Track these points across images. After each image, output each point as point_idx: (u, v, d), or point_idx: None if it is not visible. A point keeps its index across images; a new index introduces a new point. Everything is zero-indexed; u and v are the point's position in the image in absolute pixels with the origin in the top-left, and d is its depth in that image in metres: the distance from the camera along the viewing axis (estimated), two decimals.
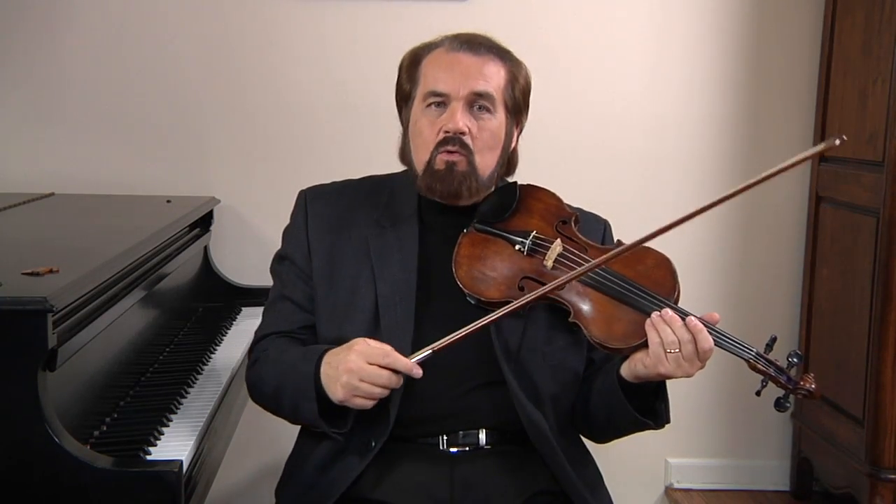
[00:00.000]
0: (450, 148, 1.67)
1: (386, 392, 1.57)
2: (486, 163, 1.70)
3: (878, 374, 2.52)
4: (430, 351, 1.58)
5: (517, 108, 1.74)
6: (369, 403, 1.58)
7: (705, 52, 2.95)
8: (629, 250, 1.61)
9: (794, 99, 2.98)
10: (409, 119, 1.74)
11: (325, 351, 1.63)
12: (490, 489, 1.65)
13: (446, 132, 1.67)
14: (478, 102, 1.68)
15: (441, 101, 1.68)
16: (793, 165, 1.54)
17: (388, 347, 1.57)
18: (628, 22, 2.93)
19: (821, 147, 1.58)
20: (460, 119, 1.66)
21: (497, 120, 1.70)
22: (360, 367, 1.56)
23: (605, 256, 1.61)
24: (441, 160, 1.67)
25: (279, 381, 1.68)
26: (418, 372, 1.57)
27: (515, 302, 1.60)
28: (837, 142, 1.54)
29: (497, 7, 2.87)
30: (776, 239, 3.03)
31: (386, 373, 1.55)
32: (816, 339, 2.91)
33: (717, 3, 2.93)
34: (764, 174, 1.54)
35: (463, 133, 1.67)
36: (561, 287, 1.62)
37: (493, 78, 1.69)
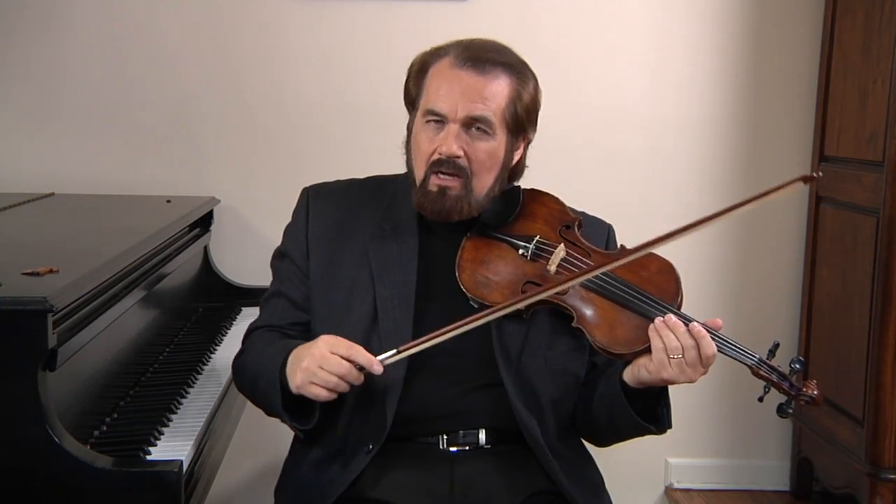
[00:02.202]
0: (443, 170, 1.66)
1: (343, 385, 1.55)
2: (482, 184, 1.69)
3: (878, 374, 2.52)
4: (395, 352, 1.58)
5: (519, 125, 1.70)
6: (324, 394, 1.56)
7: (706, 52, 2.95)
8: (630, 258, 1.60)
9: (794, 99, 2.98)
10: (411, 127, 1.73)
11: (299, 345, 1.64)
12: (490, 488, 1.65)
13: (440, 154, 1.66)
14: (475, 125, 1.66)
15: (439, 120, 1.66)
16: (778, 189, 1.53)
17: (354, 343, 1.57)
18: (629, 22, 2.93)
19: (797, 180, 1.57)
20: (454, 143, 1.64)
21: (495, 141, 1.67)
22: (322, 355, 1.56)
23: (609, 265, 1.60)
24: (434, 183, 1.67)
25: (256, 372, 1.69)
26: (378, 368, 1.56)
27: (501, 305, 1.60)
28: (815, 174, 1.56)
29: (497, 7, 2.87)
30: (776, 239, 3.03)
31: (346, 364, 1.55)
32: (816, 339, 2.91)
33: (717, 4, 2.93)
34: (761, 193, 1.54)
35: (457, 157, 1.65)
36: (564, 292, 1.63)
37: (493, 99, 1.65)
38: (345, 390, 1.57)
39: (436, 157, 1.66)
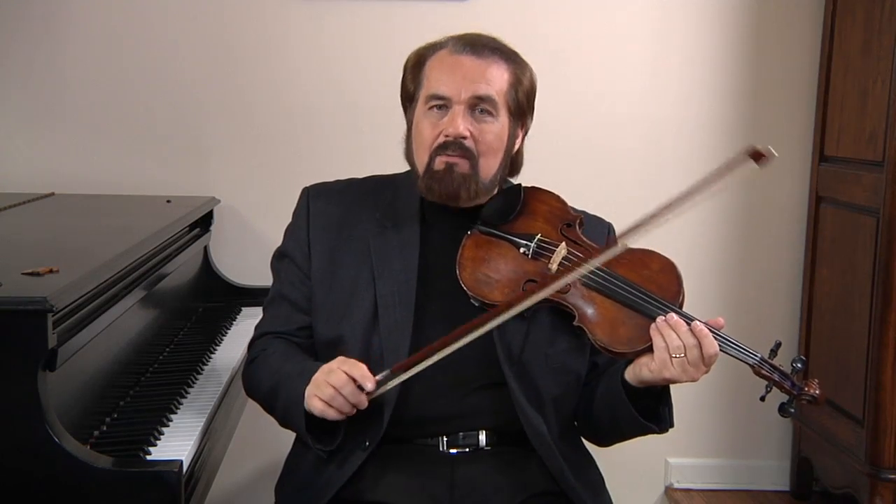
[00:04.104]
0: (450, 152, 1.66)
1: (339, 399, 1.56)
2: (488, 166, 1.69)
3: (878, 374, 2.52)
4: (389, 371, 1.59)
5: (520, 110, 1.72)
6: (329, 411, 1.57)
7: (705, 52, 2.95)
8: (610, 252, 1.60)
9: (794, 99, 2.98)
10: (412, 120, 1.74)
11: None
12: (490, 490, 1.65)
13: (447, 136, 1.66)
14: (479, 106, 1.67)
15: (443, 105, 1.67)
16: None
17: (359, 362, 1.59)
18: (629, 22, 2.93)
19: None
20: (461, 123, 1.65)
21: (499, 123, 1.69)
22: (330, 368, 1.59)
23: (600, 257, 1.60)
24: (440, 161, 1.67)
25: (272, 389, 1.70)
26: (370, 386, 1.56)
27: (498, 312, 1.59)
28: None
29: (497, 7, 2.87)
30: (776, 239, 3.03)
31: (344, 377, 1.56)
32: (816, 339, 2.91)
33: (717, 4, 2.93)
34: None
35: (464, 137, 1.66)
36: (565, 290, 1.63)
37: (495, 81, 1.67)
38: (341, 406, 1.57)
39: (441, 140, 1.67)
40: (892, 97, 2.49)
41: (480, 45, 1.68)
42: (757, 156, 1.54)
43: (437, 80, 1.68)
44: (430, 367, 1.59)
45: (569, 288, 1.65)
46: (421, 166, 1.70)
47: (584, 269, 1.60)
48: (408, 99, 1.76)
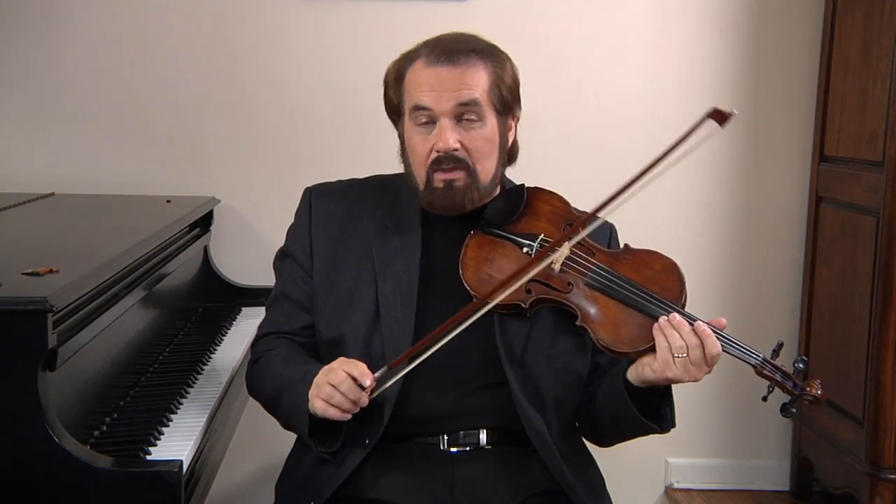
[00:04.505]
0: (445, 167, 1.66)
1: (337, 396, 1.56)
2: (485, 170, 1.69)
3: (878, 374, 2.52)
4: (386, 368, 1.60)
5: (507, 106, 1.71)
6: (330, 410, 1.58)
7: (705, 52, 2.95)
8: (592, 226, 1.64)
9: (794, 99, 2.98)
10: (403, 134, 1.74)
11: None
12: (490, 489, 1.65)
13: (438, 151, 1.66)
14: (465, 114, 1.66)
15: (430, 118, 1.66)
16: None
17: (359, 362, 1.59)
18: (629, 22, 2.93)
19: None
20: (450, 136, 1.65)
21: (488, 126, 1.68)
22: (330, 368, 1.59)
23: (586, 230, 1.64)
24: (439, 179, 1.67)
25: (277, 394, 1.70)
26: (368, 382, 1.56)
27: (469, 309, 1.60)
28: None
29: (497, 7, 2.87)
30: (776, 239, 3.03)
31: (343, 374, 1.57)
32: (816, 339, 2.91)
33: (717, 4, 2.93)
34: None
35: (455, 150, 1.65)
36: (567, 291, 1.63)
37: (476, 85, 1.66)
38: (340, 403, 1.57)
39: (434, 155, 1.66)
40: (892, 97, 2.49)
41: (455, 52, 1.66)
42: (719, 117, 1.55)
43: (417, 92, 1.67)
44: (431, 366, 1.59)
45: (571, 287, 1.65)
46: (420, 182, 1.70)
47: (568, 245, 1.64)
48: (395, 113, 1.76)
